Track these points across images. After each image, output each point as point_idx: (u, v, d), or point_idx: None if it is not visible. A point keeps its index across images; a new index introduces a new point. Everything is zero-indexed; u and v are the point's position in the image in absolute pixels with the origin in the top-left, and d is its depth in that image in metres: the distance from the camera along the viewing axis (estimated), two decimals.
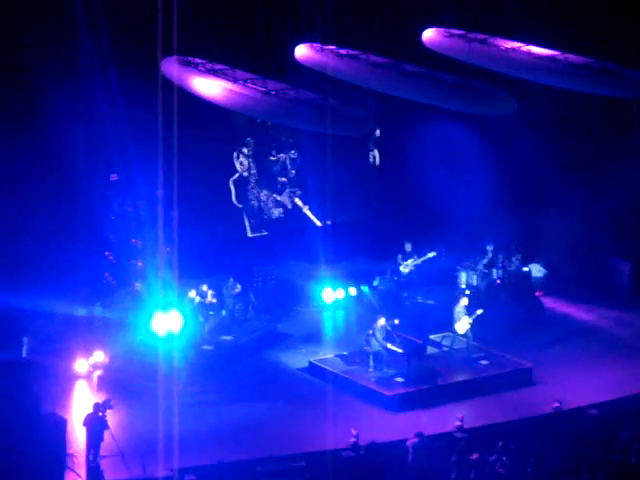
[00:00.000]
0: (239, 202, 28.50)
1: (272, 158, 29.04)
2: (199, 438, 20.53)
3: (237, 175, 28.46)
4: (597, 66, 23.42)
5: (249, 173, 28.69)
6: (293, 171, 29.29)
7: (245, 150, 28.55)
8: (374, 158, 30.30)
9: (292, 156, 29.17)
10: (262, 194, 28.87)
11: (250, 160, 28.60)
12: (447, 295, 27.56)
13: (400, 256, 28.23)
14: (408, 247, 28.31)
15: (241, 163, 28.41)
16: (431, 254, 28.21)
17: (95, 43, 24.48)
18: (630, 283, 28.45)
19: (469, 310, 24.24)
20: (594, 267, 29.23)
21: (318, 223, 29.71)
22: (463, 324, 24.24)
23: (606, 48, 25.59)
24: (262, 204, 28.94)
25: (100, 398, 20.68)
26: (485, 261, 27.97)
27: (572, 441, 19.83)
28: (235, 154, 28.46)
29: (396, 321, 23.58)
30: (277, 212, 29.19)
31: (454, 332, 24.40)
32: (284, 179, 29.18)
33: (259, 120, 27.53)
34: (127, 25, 24.44)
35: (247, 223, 28.75)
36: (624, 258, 28.83)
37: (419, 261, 28.07)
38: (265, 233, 28.93)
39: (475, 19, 26.36)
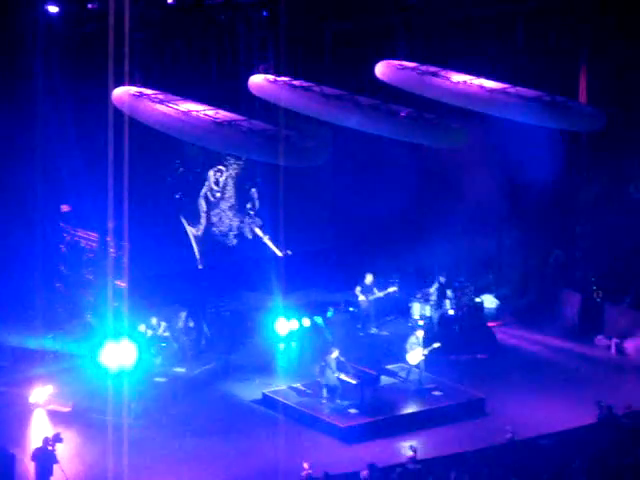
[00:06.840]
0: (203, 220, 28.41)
1: (250, 189, 29.04)
2: (149, 472, 20.35)
3: (205, 189, 28.37)
4: (547, 99, 23.63)
5: (222, 194, 28.49)
6: (258, 204, 29.31)
7: (223, 169, 28.44)
8: None
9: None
10: (232, 221, 28.77)
11: (229, 181, 28.44)
12: (401, 326, 27.61)
13: (359, 288, 28.13)
14: (369, 278, 28.17)
15: (217, 180, 28.20)
16: (392, 289, 28.15)
17: (46, 74, 24.41)
18: (580, 315, 28.60)
19: (424, 342, 24.29)
20: (545, 298, 29.42)
21: (279, 253, 29.63)
22: (416, 355, 24.26)
23: (556, 82, 25.93)
24: (224, 230, 28.83)
25: (50, 432, 20.44)
26: (437, 292, 28.02)
27: (524, 472, 19.83)
28: (212, 171, 28.37)
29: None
30: (234, 242, 29.12)
31: (408, 363, 24.42)
32: (252, 212, 29.18)
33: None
34: (78, 56, 24.40)
35: (196, 248, 28.64)
36: (575, 290, 29.00)
37: (380, 294, 28.00)
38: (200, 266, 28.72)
39: (427, 52, 26.58)
